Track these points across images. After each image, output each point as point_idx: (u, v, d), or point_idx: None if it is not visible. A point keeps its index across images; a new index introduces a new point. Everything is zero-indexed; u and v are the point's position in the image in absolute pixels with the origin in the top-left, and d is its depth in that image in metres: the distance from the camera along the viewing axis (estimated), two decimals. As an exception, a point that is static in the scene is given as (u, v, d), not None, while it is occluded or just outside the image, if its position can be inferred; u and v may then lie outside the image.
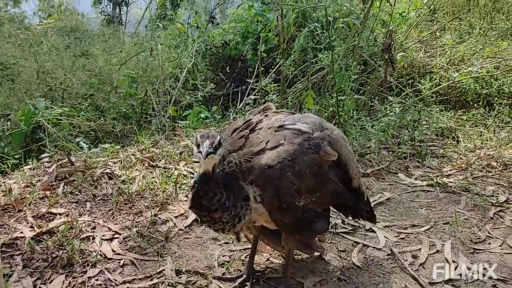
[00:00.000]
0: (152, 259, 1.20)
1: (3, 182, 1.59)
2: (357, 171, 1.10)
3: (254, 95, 2.86)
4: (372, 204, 1.53)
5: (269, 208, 0.90)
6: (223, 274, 1.13)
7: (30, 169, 1.73)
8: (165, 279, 1.11)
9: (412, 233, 1.39)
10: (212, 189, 0.85)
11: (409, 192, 1.72)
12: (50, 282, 1.10)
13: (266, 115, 1.00)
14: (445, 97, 2.79)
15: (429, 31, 3.10)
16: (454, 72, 2.72)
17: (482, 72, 2.68)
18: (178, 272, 1.13)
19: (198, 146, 0.83)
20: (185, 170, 1.75)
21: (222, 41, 3.51)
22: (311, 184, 0.93)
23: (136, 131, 2.24)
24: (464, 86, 2.68)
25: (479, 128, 2.41)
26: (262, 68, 2.81)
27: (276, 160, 0.87)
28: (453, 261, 1.24)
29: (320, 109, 2.22)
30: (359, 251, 1.28)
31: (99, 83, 3.02)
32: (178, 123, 2.36)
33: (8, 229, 1.30)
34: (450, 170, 1.94)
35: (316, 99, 2.25)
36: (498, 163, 2.02)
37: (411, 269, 1.19)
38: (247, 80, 3.36)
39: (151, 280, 1.11)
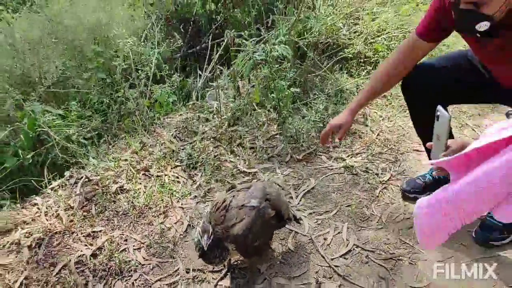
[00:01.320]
0: (168, 261, 1.98)
1: (44, 205, 2.26)
2: (287, 208, 1.87)
3: (211, 71, 3.45)
4: (302, 194, 2.35)
5: (239, 251, 1.68)
6: (213, 269, 1.94)
7: (59, 186, 2.39)
8: (180, 276, 1.90)
9: (325, 218, 2.22)
10: (209, 251, 1.60)
11: (327, 175, 2.50)
12: (113, 285, 1.88)
13: (233, 196, 1.72)
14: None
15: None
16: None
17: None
18: (187, 271, 1.94)
19: (200, 234, 1.56)
20: (172, 175, 2.46)
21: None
22: (261, 233, 1.70)
23: (124, 131, 2.85)
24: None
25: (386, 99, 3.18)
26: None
27: (241, 230, 1.62)
28: (347, 239, 2.11)
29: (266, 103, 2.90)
30: (292, 238, 2.11)
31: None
32: (155, 116, 2.96)
33: (71, 249, 2.03)
34: (357, 148, 2.74)
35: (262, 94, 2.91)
36: (394, 136, 2.84)
37: (322, 249, 2.04)
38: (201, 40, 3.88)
39: (172, 278, 1.91)
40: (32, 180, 2.44)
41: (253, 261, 1.92)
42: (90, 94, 3.18)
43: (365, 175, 2.48)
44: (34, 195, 2.38)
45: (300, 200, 2.31)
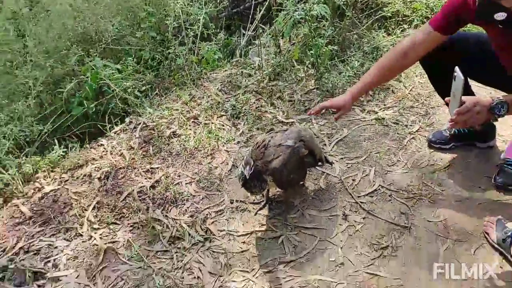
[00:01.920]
0: (215, 194, 2.28)
1: (109, 145, 2.62)
2: (319, 150, 2.12)
3: (253, 29, 3.66)
4: (335, 142, 2.59)
5: (276, 183, 1.96)
6: (254, 200, 2.24)
7: (121, 130, 2.74)
8: (226, 206, 2.21)
9: (354, 163, 2.46)
10: (251, 181, 1.89)
11: (359, 126, 2.72)
12: (169, 211, 2.21)
13: (271, 136, 1.99)
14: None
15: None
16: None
17: None
18: (231, 201, 2.24)
19: (244, 166, 1.84)
20: (218, 123, 2.75)
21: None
22: (296, 169, 1.97)
23: (174, 84, 3.14)
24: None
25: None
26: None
27: (278, 164, 1.89)
28: (373, 181, 2.34)
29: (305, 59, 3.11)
30: (324, 178, 2.37)
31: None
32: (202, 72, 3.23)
33: (133, 181, 2.38)
34: (390, 102, 2.92)
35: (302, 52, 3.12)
36: (425, 91, 2.99)
37: (350, 188, 2.29)
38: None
39: (218, 207, 2.22)
40: (98, 125, 2.80)
41: (288, 195, 2.20)
42: (143, 51, 3.48)
43: (395, 126, 2.67)
44: (100, 138, 2.74)
45: (333, 147, 2.55)
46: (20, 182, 2.38)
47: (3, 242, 2.12)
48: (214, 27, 3.41)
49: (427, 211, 2.12)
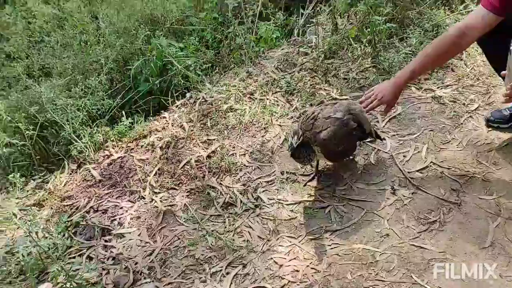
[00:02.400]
0: (267, 165, 2.39)
1: (171, 118, 2.80)
2: (368, 124, 2.15)
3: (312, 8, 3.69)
4: (387, 119, 2.59)
5: (324, 154, 2.03)
6: (303, 172, 2.32)
7: (181, 104, 2.92)
8: (276, 176, 2.31)
9: (406, 140, 2.45)
10: (299, 151, 1.97)
11: (414, 104, 2.69)
12: (223, 180, 2.36)
13: (321, 108, 2.05)
14: None
15: None
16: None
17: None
18: (282, 173, 2.34)
19: (293, 136, 1.93)
20: (273, 99, 2.84)
21: None
22: (344, 141, 2.02)
23: (233, 62, 3.27)
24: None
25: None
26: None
27: (326, 135, 1.95)
28: (425, 158, 2.33)
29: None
30: (374, 154, 2.39)
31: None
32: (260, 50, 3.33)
33: (192, 151, 2.54)
34: (448, 80, 2.85)
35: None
36: (487, 70, 2.88)
37: (400, 164, 2.30)
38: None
39: (269, 177, 2.32)
40: (162, 99, 3.00)
41: (338, 168, 2.26)
42: (205, 31, 3.64)
43: (452, 104, 2.62)
44: (162, 111, 2.94)
45: (386, 124, 2.56)
46: (92, 150, 2.64)
47: (76, 202, 2.37)
48: (272, 6, 3.47)
49: (479, 188, 2.09)
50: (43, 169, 2.80)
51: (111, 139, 2.69)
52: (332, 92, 2.82)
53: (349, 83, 2.88)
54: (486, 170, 2.17)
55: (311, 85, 2.91)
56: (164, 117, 2.80)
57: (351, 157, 2.30)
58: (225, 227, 2.07)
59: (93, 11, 3.96)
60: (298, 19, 3.57)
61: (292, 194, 2.20)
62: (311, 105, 2.73)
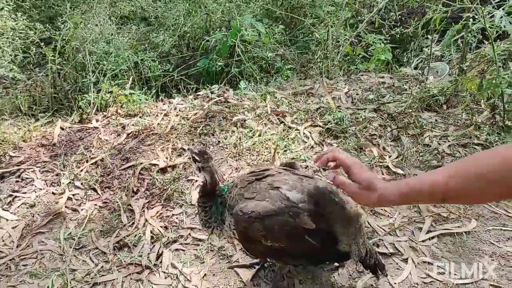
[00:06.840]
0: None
1: (179, 107, 2.18)
2: (353, 236, 1.14)
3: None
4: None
5: (239, 238, 1.15)
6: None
7: (199, 96, 2.27)
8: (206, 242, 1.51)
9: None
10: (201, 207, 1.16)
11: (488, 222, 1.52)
12: (152, 207, 1.64)
13: (279, 172, 1.16)
14: None
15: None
16: None
17: None
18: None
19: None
20: (305, 131, 1.95)
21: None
22: (279, 237, 1.10)
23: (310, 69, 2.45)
24: None
25: None
26: None
27: (250, 210, 1.08)
28: None
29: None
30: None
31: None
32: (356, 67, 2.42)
33: (152, 154, 1.88)
34: None
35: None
36: None
37: None
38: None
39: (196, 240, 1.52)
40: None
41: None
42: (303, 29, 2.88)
43: None
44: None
45: (427, 240, 1.46)
46: (97, 107, 2.30)
47: (18, 156, 1.97)
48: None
49: None
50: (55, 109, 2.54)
51: (117, 102, 2.25)
52: (386, 157, 1.80)
53: (424, 155, 1.80)
54: None
55: (369, 135, 1.93)
56: (171, 103, 2.20)
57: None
58: (95, 274, 1.39)
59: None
60: (414, 43, 2.51)
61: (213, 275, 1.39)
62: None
